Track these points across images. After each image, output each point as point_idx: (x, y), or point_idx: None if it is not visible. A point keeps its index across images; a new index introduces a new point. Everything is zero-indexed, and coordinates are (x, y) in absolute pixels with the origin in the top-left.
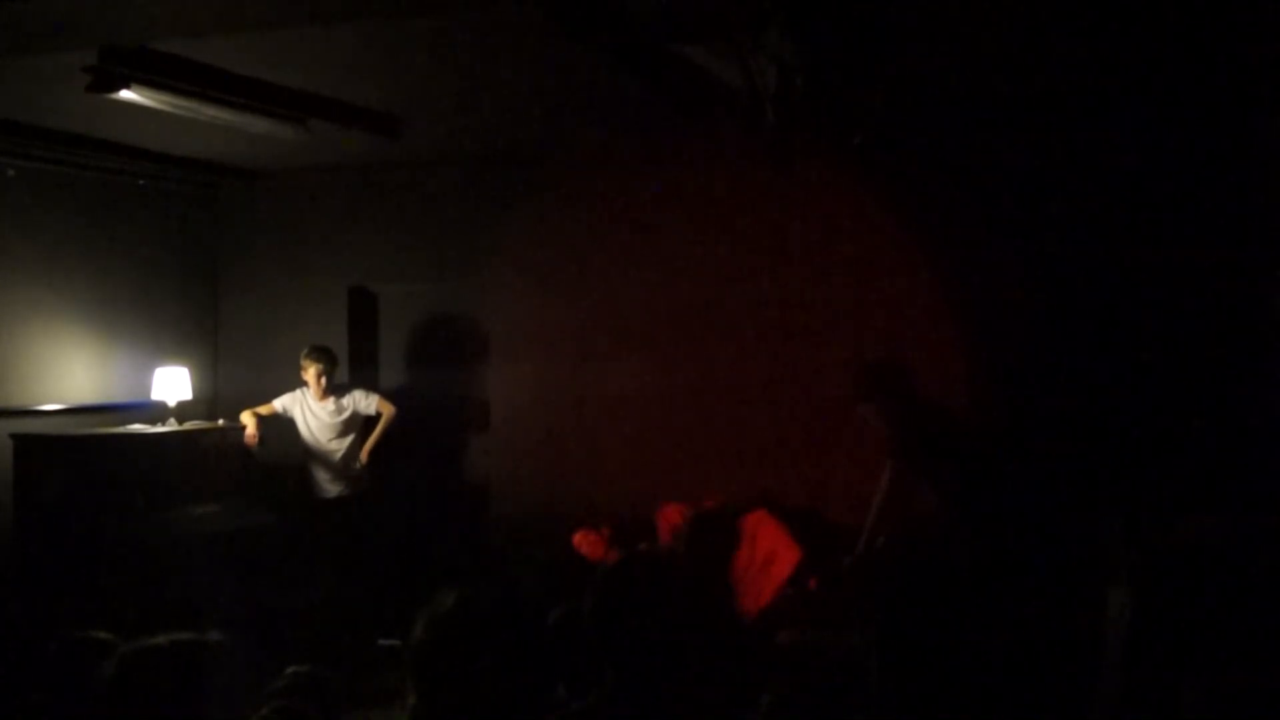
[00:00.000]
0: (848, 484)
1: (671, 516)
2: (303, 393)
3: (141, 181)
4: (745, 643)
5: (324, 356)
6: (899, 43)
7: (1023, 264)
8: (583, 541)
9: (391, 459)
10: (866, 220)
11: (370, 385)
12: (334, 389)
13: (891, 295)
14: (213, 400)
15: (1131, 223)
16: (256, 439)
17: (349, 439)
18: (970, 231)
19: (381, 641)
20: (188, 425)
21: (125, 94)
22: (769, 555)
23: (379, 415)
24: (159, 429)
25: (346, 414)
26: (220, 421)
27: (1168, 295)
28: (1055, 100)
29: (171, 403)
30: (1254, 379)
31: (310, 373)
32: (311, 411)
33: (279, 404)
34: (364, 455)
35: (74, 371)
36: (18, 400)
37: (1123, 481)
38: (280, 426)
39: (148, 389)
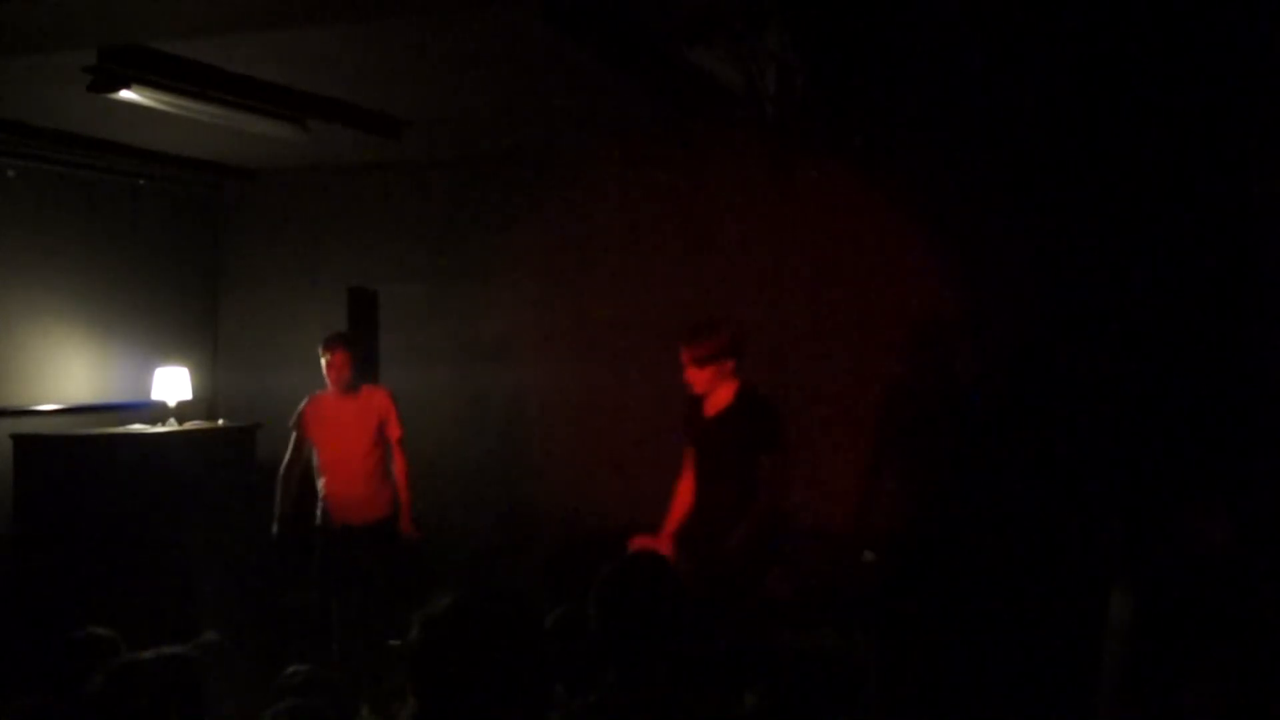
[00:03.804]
0: (848, 485)
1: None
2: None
3: (141, 181)
4: (744, 643)
5: (336, 342)
6: (899, 43)
7: (1023, 263)
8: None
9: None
10: (867, 220)
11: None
12: (355, 386)
13: (892, 295)
14: (213, 400)
15: (1133, 222)
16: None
17: (377, 451)
18: (971, 231)
19: (392, 643)
20: (188, 425)
21: (125, 94)
22: None
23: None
24: (159, 429)
25: (371, 417)
26: (220, 421)
27: (1169, 294)
28: (1057, 98)
29: (171, 403)
30: (1255, 378)
31: (323, 362)
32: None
33: (302, 428)
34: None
35: (73, 371)
36: (18, 400)
37: (1123, 481)
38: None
39: (148, 389)
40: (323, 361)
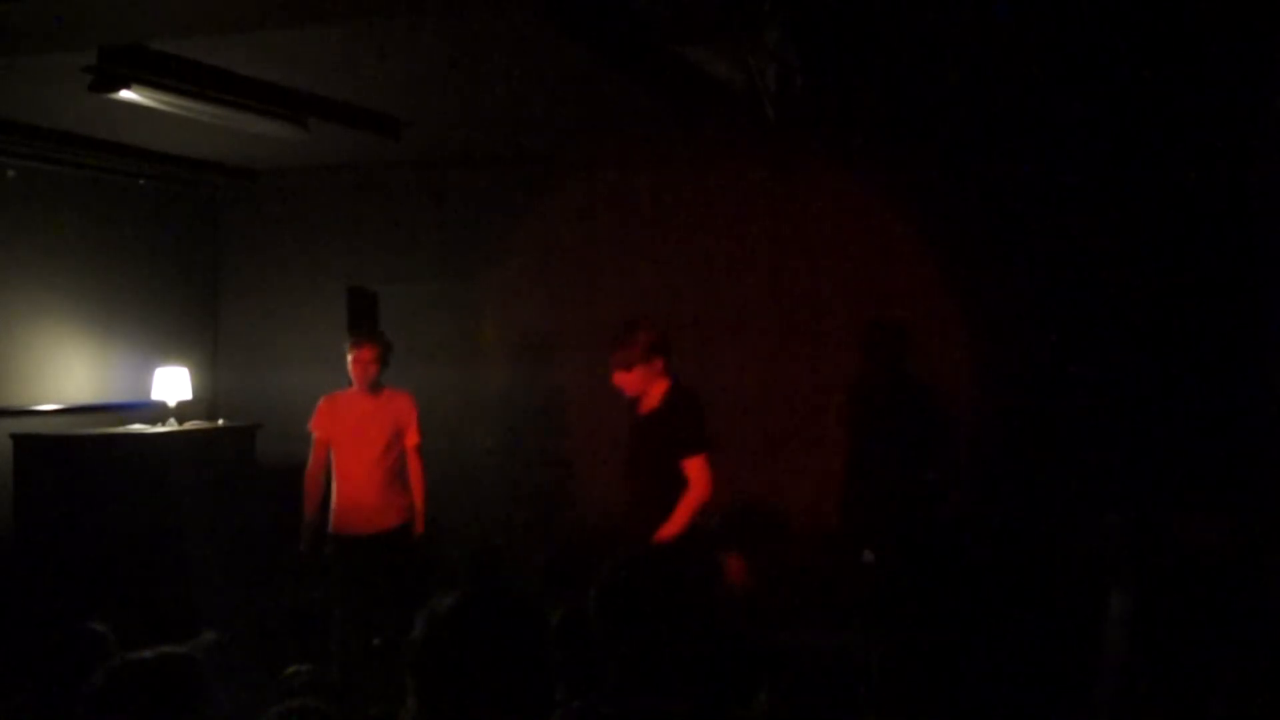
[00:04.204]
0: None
1: None
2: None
3: (141, 181)
4: (745, 642)
5: (365, 337)
6: (899, 42)
7: (1023, 263)
8: None
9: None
10: (866, 220)
11: None
12: (379, 386)
13: (892, 295)
14: (213, 400)
15: (1133, 221)
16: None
17: (392, 455)
18: (970, 230)
19: (375, 641)
20: (188, 425)
21: (125, 94)
22: None
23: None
24: (159, 429)
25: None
26: (220, 421)
27: (1169, 294)
28: (1056, 98)
29: (171, 403)
30: (1254, 379)
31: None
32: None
33: (320, 429)
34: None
35: (74, 371)
36: (18, 400)
37: (1123, 481)
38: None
39: (148, 389)
40: (349, 357)
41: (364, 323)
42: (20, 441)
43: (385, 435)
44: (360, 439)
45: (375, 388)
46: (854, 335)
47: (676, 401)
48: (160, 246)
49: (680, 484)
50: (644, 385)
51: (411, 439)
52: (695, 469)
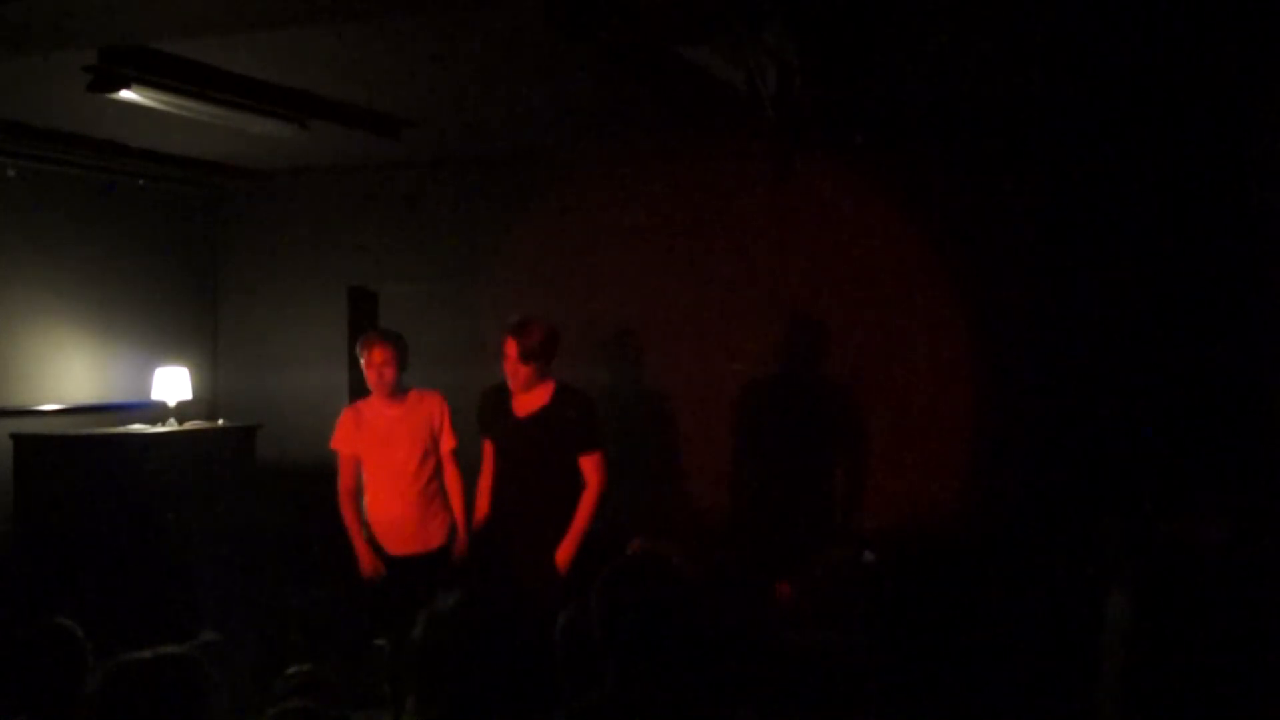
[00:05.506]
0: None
1: None
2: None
3: (141, 181)
4: (746, 642)
5: (374, 338)
6: (900, 42)
7: (1023, 262)
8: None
9: None
10: (867, 220)
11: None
12: (402, 389)
13: (892, 295)
14: (213, 400)
15: (1133, 221)
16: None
17: (431, 465)
18: (971, 230)
19: (377, 642)
20: (188, 425)
21: (125, 94)
22: None
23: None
24: (159, 429)
25: (423, 427)
26: (220, 421)
27: (1169, 293)
28: (1057, 99)
29: (171, 403)
30: (1255, 378)
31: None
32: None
33: (344, 445)
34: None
35: (74, 371)
36: (18, 400)
37: (1123, 481)
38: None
39: (148, 389)
40: (361, 361)
41: (371, 323)
42: (20, 441)
43: (420, 444)
44: (392, 451)
45: (398, 392)
46: (854, 336)
47: (570, 399)
48: (160, 246)
49: (578, 481)
50: (531, 382)
51: (446, 443)
52: (593, 466)
